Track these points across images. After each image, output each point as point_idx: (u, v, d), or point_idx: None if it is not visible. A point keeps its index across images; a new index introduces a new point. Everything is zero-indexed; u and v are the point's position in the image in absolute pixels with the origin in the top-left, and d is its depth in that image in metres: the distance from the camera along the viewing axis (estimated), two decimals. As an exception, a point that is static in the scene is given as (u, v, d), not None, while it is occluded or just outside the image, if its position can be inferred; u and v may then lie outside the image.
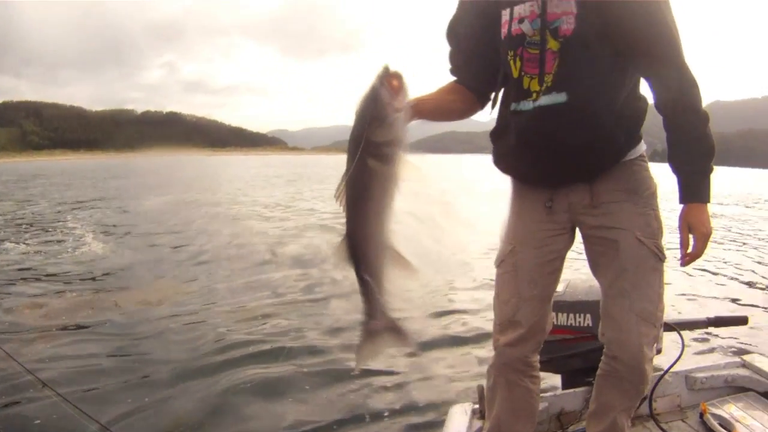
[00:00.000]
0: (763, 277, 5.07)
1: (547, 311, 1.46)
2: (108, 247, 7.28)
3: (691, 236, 1.32)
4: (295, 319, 4.10)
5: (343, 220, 1.17)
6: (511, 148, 1.39)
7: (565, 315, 1.83)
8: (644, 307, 1.33)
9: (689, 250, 1.32)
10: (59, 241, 7.84)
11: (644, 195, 1.37)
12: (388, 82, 1.13)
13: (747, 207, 16.72)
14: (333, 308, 4.34)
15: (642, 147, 1.40)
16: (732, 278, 4.75)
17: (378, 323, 1.21)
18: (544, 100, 1.28)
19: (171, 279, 5.48)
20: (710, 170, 1.31)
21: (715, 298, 4.08)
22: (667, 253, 1.35)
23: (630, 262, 1.33)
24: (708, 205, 1.32)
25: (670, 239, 1.31)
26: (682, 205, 1.33)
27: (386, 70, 1.13)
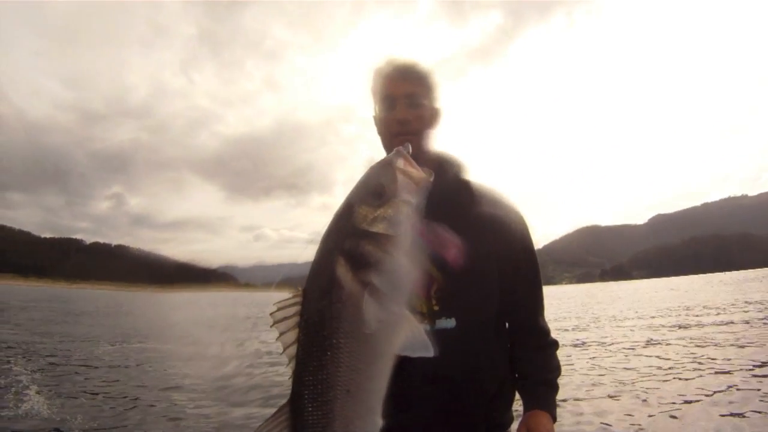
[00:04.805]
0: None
1: None
2: (55, 406, 6.48)
3: None
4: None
5: (289, 369, 0.76)
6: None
7: None
8: None
9: None
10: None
11: None
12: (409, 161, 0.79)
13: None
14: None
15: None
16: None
17: None
18: (437, 324, 1.25)
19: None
20: (557, 387, 1.36)
21: None
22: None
23: None
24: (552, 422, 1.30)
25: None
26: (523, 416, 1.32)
27: (407, 149, 0.81)
